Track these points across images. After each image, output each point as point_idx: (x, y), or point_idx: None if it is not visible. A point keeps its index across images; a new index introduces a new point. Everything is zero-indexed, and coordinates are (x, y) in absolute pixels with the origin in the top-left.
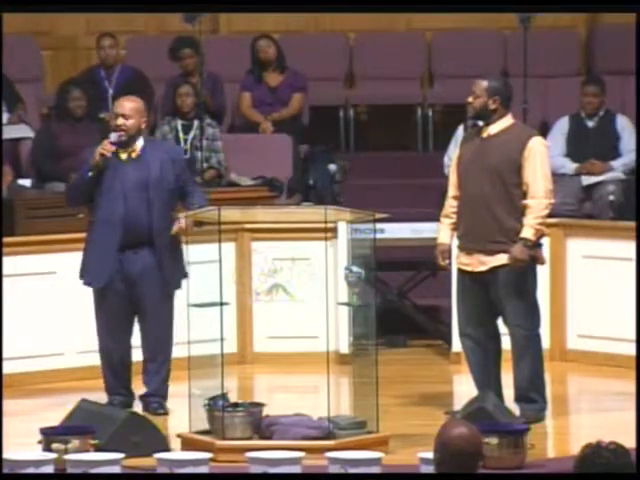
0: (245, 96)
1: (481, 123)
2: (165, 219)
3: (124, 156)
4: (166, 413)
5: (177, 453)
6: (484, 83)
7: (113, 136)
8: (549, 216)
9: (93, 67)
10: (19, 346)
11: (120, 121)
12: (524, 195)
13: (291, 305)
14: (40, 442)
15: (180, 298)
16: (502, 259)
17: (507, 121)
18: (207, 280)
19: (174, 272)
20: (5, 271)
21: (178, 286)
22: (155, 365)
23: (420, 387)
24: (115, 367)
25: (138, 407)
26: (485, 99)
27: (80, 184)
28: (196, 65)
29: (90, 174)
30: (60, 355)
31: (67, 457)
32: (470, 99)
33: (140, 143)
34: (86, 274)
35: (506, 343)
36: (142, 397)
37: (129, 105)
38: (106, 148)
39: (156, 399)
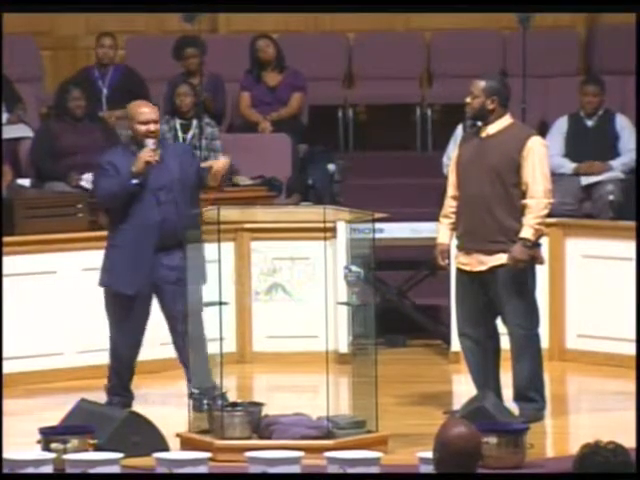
0: (244, 96)
1: (480, 123)
2: (192, 218)
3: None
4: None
5: (176, 453)
6: (482, 83)
7: (150, 142)
8: (548, 216)
9: (88, 67)
10: (19, 346)
11: (153, 127)
12: (523, 195)
13: (290, 305)
14: (39, 442)
15: None
16: (501, 259)
17: (506, 121)
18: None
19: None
20: (5, 271)
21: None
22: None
23: (419, 387)
24: (122, 369)
25: (138, 407)
26: (483, 99)
27: (121, 191)
28: (199, 65)
29: (134, 181)
30: (60, 355)
31: (66, 457)
32: (468, 99)
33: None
34: (114, 280)
35: (505, 343)
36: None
37: (155, 111)
38: (151, 155)
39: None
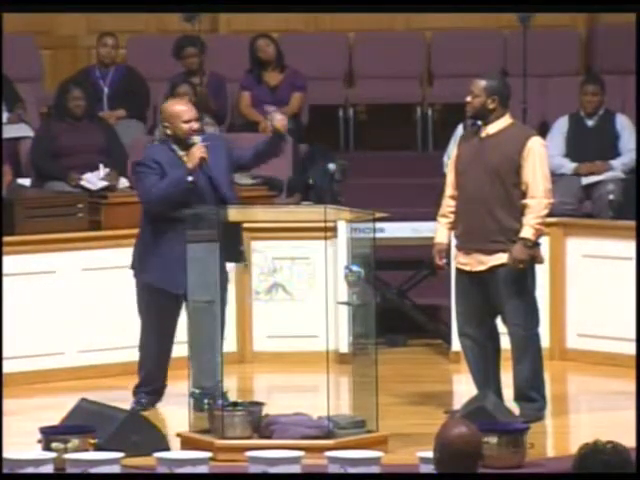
0: (244, 95)
1: (480, 123)
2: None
3: (185, 159)
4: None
5: (177, 452)
6: (482, 83)
7: (199, 139)
8: (549, 215)
9: (89, 67)
10: (19, 345)
11: (195, 125)
12: (523, 195)
13: (291, 304)
14: (40, 441)
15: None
16: (501, 258)
17: (506, 121)
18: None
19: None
20: (5, 270)
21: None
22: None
23: (420, 386)
24: (153, 367)
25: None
26: (483, 99)
27: (177, 190)
28: (199, 64)
29: (190, 179)
30: (60, 354)
31: (67, 456)
32: (468, 99)
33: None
34: (163, 279)
35: (505, 342)
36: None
37: (193, 108)
38: (203, 151)
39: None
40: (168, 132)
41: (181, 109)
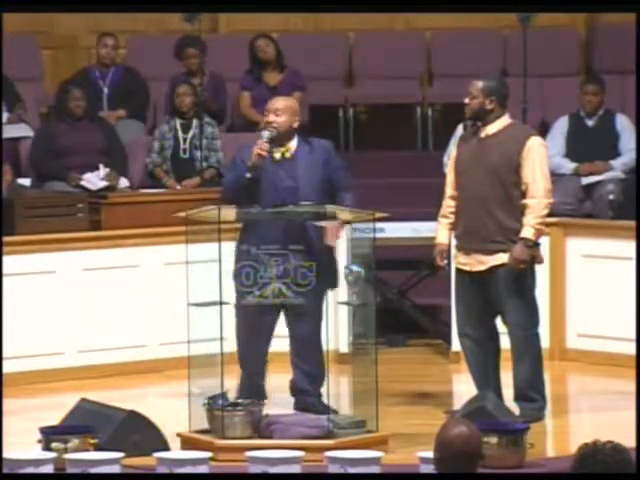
0: (244, 96)
1: (479, 123)
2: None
3: (277, 156)
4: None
5: (177, 452)
6: (480, 83)
7: (265, 134)
8: (549, 215)
9: (88, 67)
10: (19, 345)
11: (271, 117)
12: (523, 195)
13: None
14: (40, 441)
15: (181, 297)
16: (501, 259)
17: (505, 121)
18: (207, 279)
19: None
20: (5, 270)
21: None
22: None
23: (420, 386)
24: (251, 374)
25: (138, 407)
26: (481, 99)
27: (237, 185)
28: (200, 65)
29: (248, 175)
30: (60, 355)
31: (67, 456)
32: (467, 100)
33: (294, 143)
34: None
35: (505, 342)
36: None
37: (282, 102)
38: (262, 147)
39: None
40: None
41: (269, 101)
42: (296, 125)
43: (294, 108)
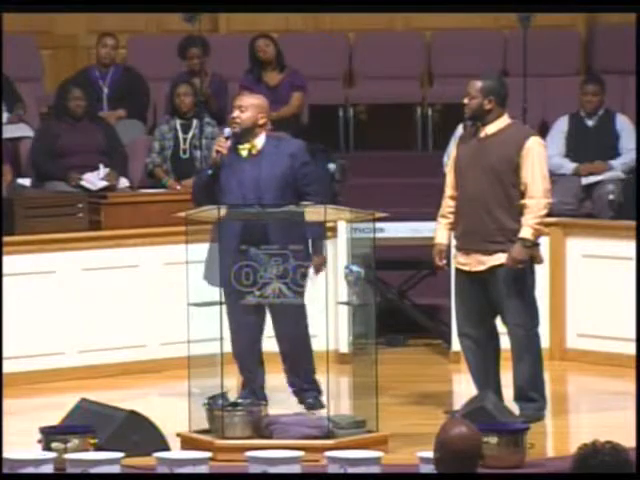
0: None
1: (479, 123)
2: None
3: (244, 153)
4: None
5: (177, 452)
6: (478, 83)
7: (226, 130)
8: (548, 215)
9: (88, 67)
10: (19, 346)
11: (236, 113)
12: (522, 195)
13: None
14: (40, 441)
15: (181, 297)
16: (500, 259)
17: (504, 121)
18: None
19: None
20: (5, 270)
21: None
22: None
23: (420, 386)
24: (245, 371)
25: (138, 407)
26: (480, 99)
27: (200, 183)
28: (202, 65)
29: (209, 172)
30: (60, 355)
31: (67, 456)
32: (466, 100)
33: (261, 140)
34: (208, 275)
35: (505, 342)
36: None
37: (247, 99)
38: (220, 144)
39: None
40: None
41: (236, 97)
42: (262, 122)
43: (260, 105)
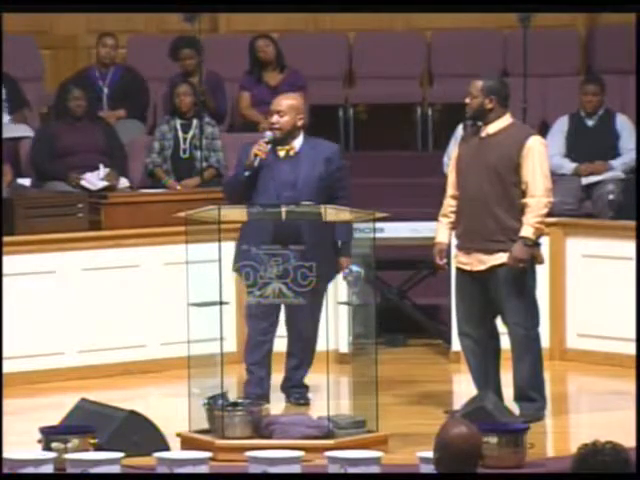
0: (244, 96)
1: (480, 123)
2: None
3: (282, 154)
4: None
5: (177, 452)
6: (480, 83)
7: (267, 134)
8: (549, 215)
9: (88, 67)
10: (19, 345)
11: (274, 118)
12: (523, 194)
13: None
14: (40, 441)
15: (181, 297)
16: (501, 258)
17: (505, 120)
18: (207, 279)
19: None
20: (5, 270)
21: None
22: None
23: (420, 386)
24: (252, 368)
25: (138, 407)
26: (481, 99)
27: (236, 183)
28: (196, 65)
29: (246, 173)
30: (60, 354)
31: (67, 456)
32: (467, 100)
33: (299, 141)
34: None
35: (505, 342)
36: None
37: (285, 102)
38: (260, 148)
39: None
40: None
41: (273, 101)
42: (300, 123)
43: (297, 106)
